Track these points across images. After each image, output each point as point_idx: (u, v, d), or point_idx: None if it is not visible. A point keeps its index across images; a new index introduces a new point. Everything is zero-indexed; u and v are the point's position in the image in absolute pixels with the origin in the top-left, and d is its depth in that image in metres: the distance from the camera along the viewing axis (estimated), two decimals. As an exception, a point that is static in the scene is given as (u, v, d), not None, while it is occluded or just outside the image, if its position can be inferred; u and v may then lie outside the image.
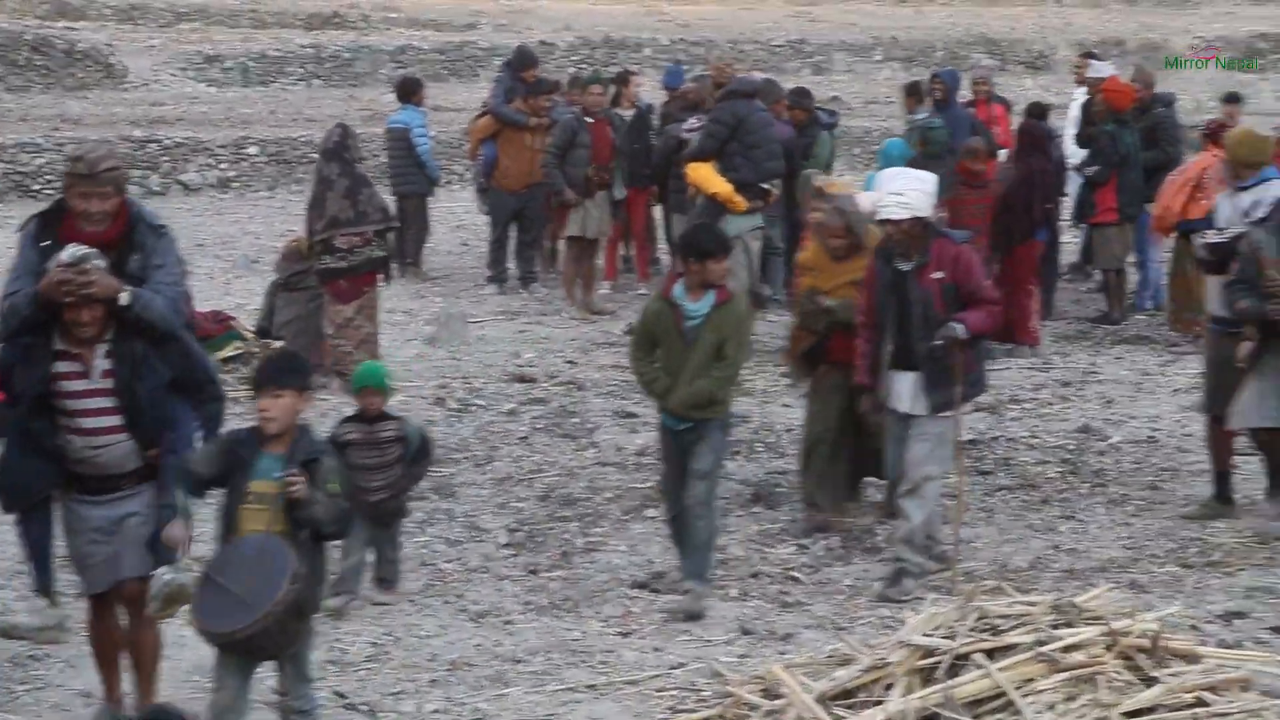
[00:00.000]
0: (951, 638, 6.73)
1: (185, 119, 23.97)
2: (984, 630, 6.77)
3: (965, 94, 17.22)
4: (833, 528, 9.67)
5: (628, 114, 16.04)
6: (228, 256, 17.71)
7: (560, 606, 8.72)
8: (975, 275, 8.82)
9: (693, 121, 14.66)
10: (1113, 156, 14.94)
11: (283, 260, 13.14)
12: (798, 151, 14.98)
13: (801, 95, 15.83)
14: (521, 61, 16.79)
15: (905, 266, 8.73)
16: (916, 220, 8.65)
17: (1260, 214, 9.73)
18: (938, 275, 8.68)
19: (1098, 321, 15.21)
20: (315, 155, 19.97)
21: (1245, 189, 9.99)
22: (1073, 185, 15.60)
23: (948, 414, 8.81)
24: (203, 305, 13.12)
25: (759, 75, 16.13)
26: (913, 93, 17.40)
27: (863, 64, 31.23)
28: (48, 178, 20.97)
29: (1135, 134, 15.05)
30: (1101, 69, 16.56)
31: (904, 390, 8.82)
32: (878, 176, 9.24)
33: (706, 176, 13.81)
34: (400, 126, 16.87)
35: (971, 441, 11.44)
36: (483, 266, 16.73)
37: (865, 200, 9.46)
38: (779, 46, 30.93)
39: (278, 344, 12.62)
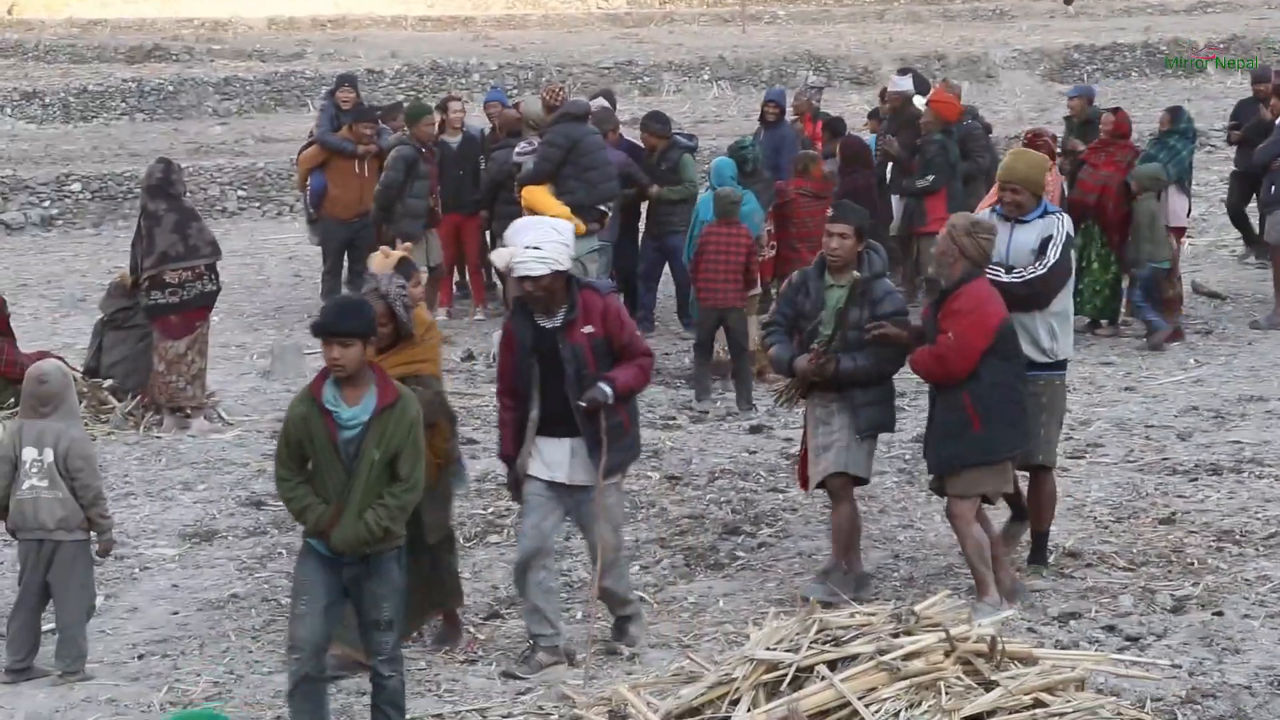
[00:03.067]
0: (795, 650, 6.79)
1: (4, 156, 23.52)
2: (826, 642, 6.84)
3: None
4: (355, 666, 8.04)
5: (453, 140, 16.00)
6: (53, 296, 17.40)
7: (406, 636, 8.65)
8: (627, 327, 8.27)
9: (524, 145, 14.65)
10: (944, 166, 15.17)
11: (109, 297, 12.92)
12: (650, 175, 15.11)
13: (656, 120, 15.85)
14: (335, 85, 16.77)
15: (550, 324, 8.13)
16: (557, 274, 8.07)
17: (1054, 255, 8.86)
18: (587, 330, 8.13)
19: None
20: (141, 191, 19.78)
21: (1027, 222, 9.05)
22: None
23: (610, 481, 8.23)
24: (29, 346, 12.91)
25: (601, 100, 16.14)
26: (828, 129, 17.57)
27: (691, 84, 31.42)
28: None
29: (957, 146, 15.29)
30: (900, 83, 16.84)
31: (559, 458, 8.19)
32: (513, 228, 8.41)
33: (543, 199, 13.81)
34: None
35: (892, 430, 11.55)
36: (316, 298, 16.59)
37: (500, 256, 8.47)
38: (607, 68, 31.02)
39: (107, 383, 12.44)
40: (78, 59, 31.32)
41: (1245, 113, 17.52)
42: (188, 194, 12.95)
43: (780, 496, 10.80)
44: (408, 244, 9.37)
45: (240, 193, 22.89)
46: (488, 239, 16.05)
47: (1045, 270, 8.83)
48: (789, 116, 17.44)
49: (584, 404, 8.04)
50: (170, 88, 28.19)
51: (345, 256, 16.13)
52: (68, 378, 8.34)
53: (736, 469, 11.43)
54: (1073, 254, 9.23)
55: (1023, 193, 9.03)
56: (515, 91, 27.81)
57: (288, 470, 7.08)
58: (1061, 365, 9.11)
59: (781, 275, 13.77)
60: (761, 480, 11.18)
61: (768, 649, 6.88)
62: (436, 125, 15.88)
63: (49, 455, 7.94)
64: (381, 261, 8.43)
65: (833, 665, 6.68)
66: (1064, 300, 9.05)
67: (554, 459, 8.21)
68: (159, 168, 12.58)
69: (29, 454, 7.94)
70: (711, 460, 11.68)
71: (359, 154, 15.85)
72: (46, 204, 21.71)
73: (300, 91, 28.80)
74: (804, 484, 9.35)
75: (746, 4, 39.99)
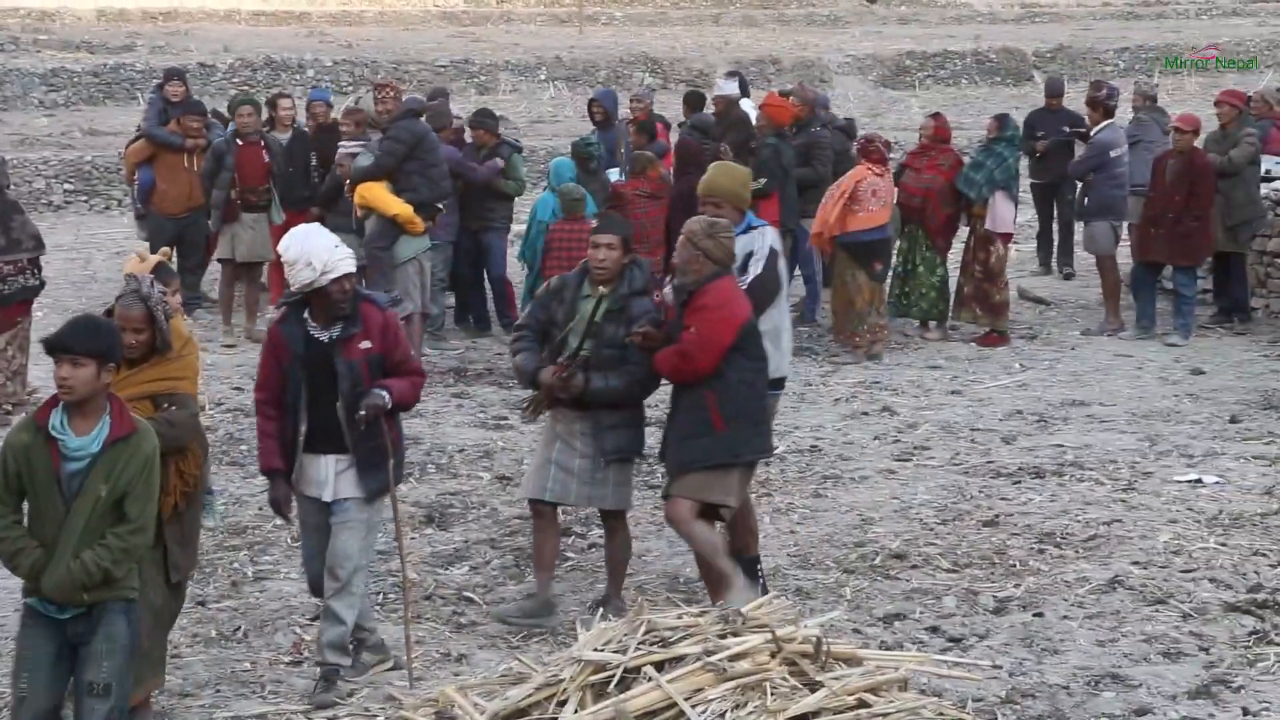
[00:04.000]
0: (622, 651, 6.80)
1: None
2: (654, 643, 6.86)
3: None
4: None
5: (283, 137, 15.86)
6: None
7: (230, 637, 8.56)
8: (402, 342, 7.91)
9: (351, 145, 14.50)
10: (777, 170, 15.28)
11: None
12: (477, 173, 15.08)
13: (485, 116, 15.81)
14: (164, 79, 16.60)
15: (324, 335, 7.73)
16: (341, 280, 7.68)
17: (757, 269, 8.70)
18: (366, 345, 7.73)
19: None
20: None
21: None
22: None
23: (381, 497, 7.93)
24: None
25: (438, 98, 16.07)
26: (687, 101, 17.68)
27: (527, 84, 31.42)
28: None
29: (791, 150, 15.42)
30: (726, 87, 16.98)
31: (325, 475, 7.81)
32: (297, 237, 7.81)
33: (382, 197, 13.71)
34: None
35: (642, 455, 11.59)
36: (143, 294, 16.31)
37: (305, 272, 7.70)
38: (443, 67, 30.91)
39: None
40: (-102, 46, 30.57)
41: (1041, 124, 17.86)
42: (11, 186, 12.70)
43: (611, 497, 10.81)
44: (166, 250, 8.78)
45: (67, 186, 22.50)
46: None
47: (744, 286, 8.49)
48: (622, 117, 17.48)
49: (364, 412, 7.62)
50: (-5, 78, 27.62)
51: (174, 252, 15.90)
52: None
53: (568, 470, 11.42)
54: (783, 268, 8.92)
55: (725, 206, 8.66)
56: (350, 88, 27.63)
57: (2, 507, 6.25)
58: (776, 384, 8.78)
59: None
60: (593, 481, 11.18)
61: (595, 650, 6.88)
62: (263, 119, 15.75)
63: None
64: (137, 264, 7.92)
65: (660, 666, 6.69)
66: (774, 318, 8.73)
67: (318, 477, 7.83)
68: (-18, 160, 12.35)
69: None
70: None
71: (187, 148, 15.66)
72: None
73: (130, 84, 28.38)
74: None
75: (583, 5, 40.02)
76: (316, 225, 8.32)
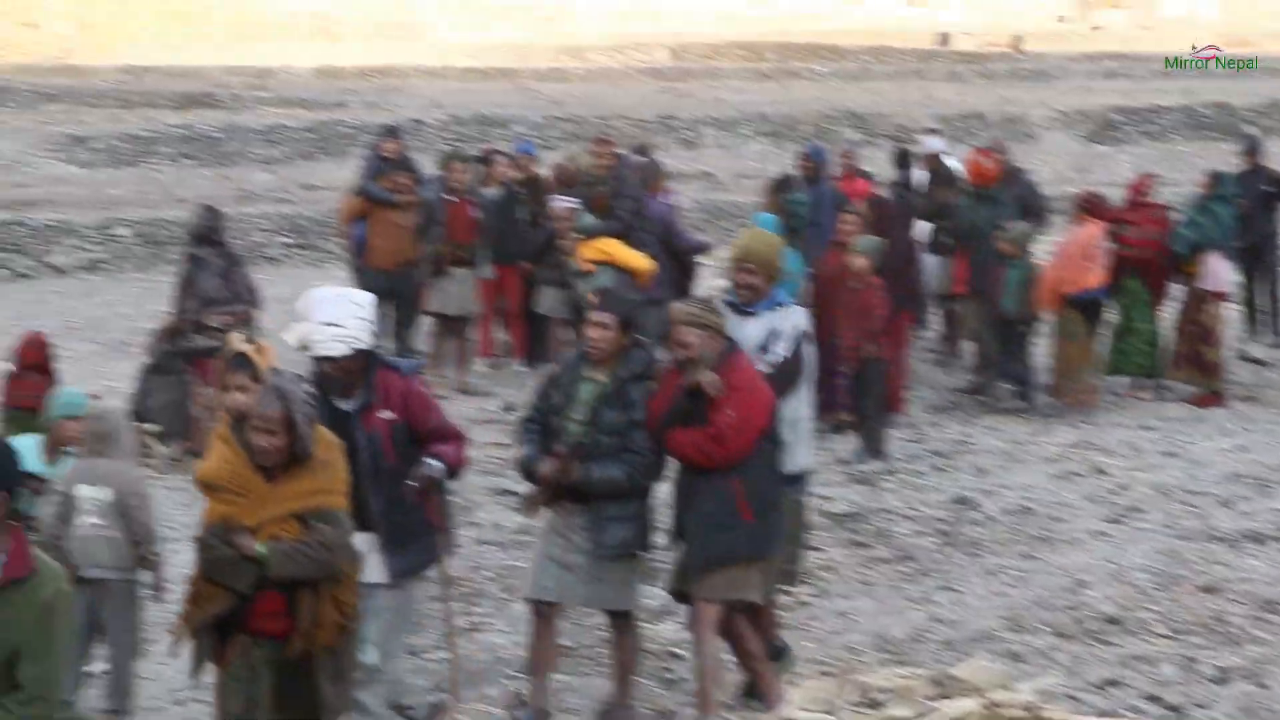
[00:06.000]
0: (831, 712, 6.78)
1: (53, 200, 23.70)
2: (863, 704, 6.83)
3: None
4: None
5: (494, 192, 16.10)
6: (99, 339, 17.50)
7: (444, 689, 8.65)
8: (432, 410, 7.54)
9: (567, 199, 14.73)
10: (970, 231, 15.18)
11: (155, 342, 13.03)
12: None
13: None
14: (379, 136, 16.94)
15: (347, 407, 7.36)
16: (358, 354, 7.32)
17: (782, 350, 8.11)
18: (387, 415, 7.39)
19: (968, 392, 15.40)
20: (186, 236, 19.90)
21: (753, 313, 8.18)
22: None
23: (413, 578, 7.60)
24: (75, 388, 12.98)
25: (638, 157, 16.25)
26: (895, 158, 17.75)
27: (731, 139, 31.53)
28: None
29: (1001, 206, 15.27)
30: (930, 143, 16.90)
31: None
32: (310, 301, 7.46)
33: (627, 251, 14.03)
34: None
35: (849, 514, 11.57)
36: (357, 346, 16.64)
37: (293, 334, 7.47)
38: (649, 122, 31.15)
39: (150, 428, 12.52)
40: (127, 104, 31.61)
41: (1240, 183, 17.18)
42: (232, 240, 13.08)
43: (819, 555, 10.78)
44: (253, 344, 8.15)
45: (284, 239, 23.05)
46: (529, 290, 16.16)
47: (766, 370, 7.92)
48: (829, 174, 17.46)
49: (415, 484, 7.30)
50: (217, 134, 28.45)
51: (388, 306, 16.23)
52: (118, 421, 8.37)
53: (775, 527, 11.41)
54: (812, 351, 8.34)
55: (759, 274, 8.11)
56: (557, 144, 27.98)
57: None
58: (794, 479, 8.17)
59: (816, 339, 13.73)
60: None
61: (804, 710, 6.87)
62: (473, 175, 16.00)
63: (107, 494, 7.98)
64: (261, 354, 7.49)
65: (873, 728, 6.67)
66: (795, 405, 8.10)
67: None
68: (205, 214, 12.78)
69: (85, 491, 7.99)
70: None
71: (399, 204, 15.96)
72: (93, 248, 21.89)
73: (344, 140, 29.00)
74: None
75: (787, 60, 40.10)
76: (333, 292, 7.69)
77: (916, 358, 15.91)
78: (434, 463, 7.42)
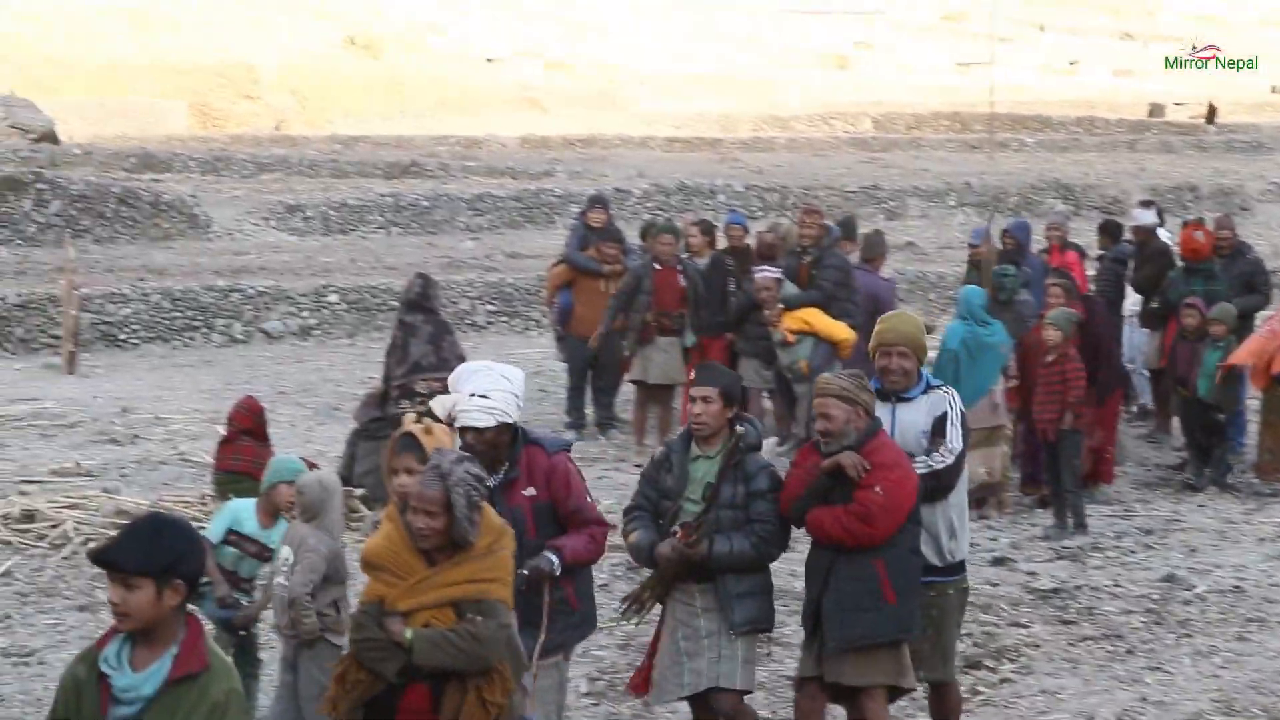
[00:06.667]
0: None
1: (267, 268, 24.31)
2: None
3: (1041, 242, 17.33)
4: None
5: (701, 262, 16.18)
6: (309, 404, 17.88)
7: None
8: (575, 490, 7.37)
9: (771, 269, 14.77)
10: (1170, 304, 15.02)
11: (363, 407, 13.27)
12: None
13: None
14: (586, 205, 17.12)
15: (490, 482, 7.03)
16: (504, 427, 7.25)
17: (961, 439, 7.84)
18: (529, 492, 7.30)
19: (1178, 469, 15.09)
20: (395, 302, 20.28)
21: (910, 399, 7.94)
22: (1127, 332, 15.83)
23: (549, 660, 7.37)
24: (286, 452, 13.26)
25: (848, 224, 16.36)
26: (1104, 231, 17.61)
27: (936, 209, 31.37)
28: (133, 328, 21.34)
29: (1216, 281, 15.02)
30: (1142, 216, 16.64)
31: None
32: (459, 373, 7.53)
33: (829, 322, 14.06)
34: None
35: (1054, 590, 11.39)
36: (561, 413, 16.82)
37: (440, 404, 7.49)
38: (852, 192, 31.12)
39: (358, 492, 12.73)
40: (338, 174, 32.37)
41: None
42: (443, 308, 13.31)
43: (1023, 631, 10.62)
44: (428, 426, 7.52)
45: (489, 307, 23.37)
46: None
47: (953, 459, 7.74)
48: (1036, 247, 17.31)
49: (525, 573, 7.09)
50: (425, 203, 28.99)
51: (589, 374, 16.38)
52: (328, 489, 8.48)
53: (978, 602, 11.26)
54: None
55: (910, 357, 7.88)
56: (760, 214, 28.06)
57: None
58: (959, 568, 8.03)
59: (1020, 410, 13.60)
60: (1003, 614, 11.01)
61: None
62: (680, 245, 16.11)
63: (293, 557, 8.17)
64: (423, 433, 7.17)
65: (1080, 810, 6.55)
66: (960, 491, 7.99)
67: None
68: (418, 282, 13.04)
69: (284, 553, 8.19)
70: (952, 592, 11.53)
71: (605, 274, 16.11)
72: (305, 314, 22.40)
73: (549, 209, 29.39)
74: (639, 688, 8.03)
75: (995, 131, 39.84)
76: (483, 365, 7.65)
77: (1125, 433, 15.63)
78: (550, 555, 7.25)
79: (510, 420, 7.25)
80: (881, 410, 7.71)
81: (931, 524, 7.76)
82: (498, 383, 7.27)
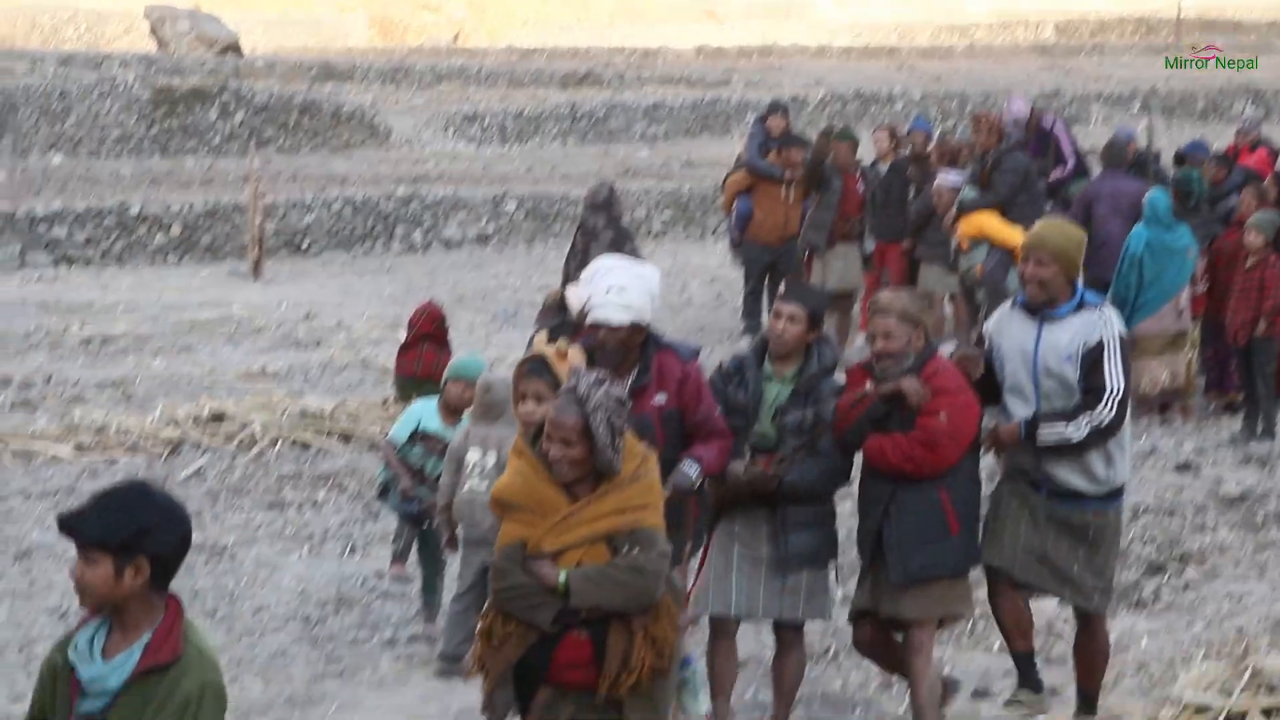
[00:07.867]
0: (1227, 695, 6.60)
1: (446, 176, 24.55)
2: (1259, 688, 6.63)
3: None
4: None
5: (882, 167, 16.04)
6: (487, 310, 18.06)
7: (822, 656, 8.66)
8: (706, 399, 6.96)
9: (953, 175, 14.59)
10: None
11: (542, 313, 13.35)
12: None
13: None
14: (766, 111, 16.98)
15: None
16: (637, 327, 6.86)
17: (1118, 372, 7.00)
18: (659, 400, 6.89)
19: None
20: (572, 210, 20.38)
21: (1059, 317, 7.11)
22: None
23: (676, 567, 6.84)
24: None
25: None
26: None
27: (1119, 115, 30.75)
28: (316, 235, 21.71)
29: None
30: None
31: None
32: (594, 268, 7.12)
33: (1002, 228, 13.86)
34: None
35: (1241, 496, 11.20)
36: (737, 319, 16.82)
37: (574, 296, 7.05)
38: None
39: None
40: (516, 84, 32.54)
41: None
42: (623, 216, 13.42)
43: (1208, 536, 10.47)
44: (562, 348, 7.23)
45: (665, 215, 23.41)
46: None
47: (1114, 411, 6.95)
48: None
49: (668, 492, 6.46)
50: (601, 112, 29.05)
51: (767, 280, 16.34)
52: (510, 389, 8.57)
53: (1161, 506, 11.12)
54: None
55: (1050, 266, 7.03)
56: (938, 121, 27.72)
57: None
58: (1116, 494, 7.24)
59: (1209, 316, 13.33)
60: (1188, 519, 10.85)
61: (1196, 692, 6.70)
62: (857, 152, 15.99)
63: (491, 459, 8.21)
64: (562, 360, 6.84)
65: (1268, 713, 6.47)
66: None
67: None
68: (603, 188, 13.23)
69: (473, 456, 8.24)
70: (1133, 498, 11.37)
71: (786, 179, 16.02)
72: (483, 222, 22.60)
73: (725, 117, 29.30)
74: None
75: (1182, 35, 38.92)
76: (622, 261, 7.40)
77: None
78: (688, 472, 6.90)
79: (645, 320, 6.87)
80: (1025, 327, 7.09)
81: (1085, 453, 7.04)
82: (637, 280, 6.90)
